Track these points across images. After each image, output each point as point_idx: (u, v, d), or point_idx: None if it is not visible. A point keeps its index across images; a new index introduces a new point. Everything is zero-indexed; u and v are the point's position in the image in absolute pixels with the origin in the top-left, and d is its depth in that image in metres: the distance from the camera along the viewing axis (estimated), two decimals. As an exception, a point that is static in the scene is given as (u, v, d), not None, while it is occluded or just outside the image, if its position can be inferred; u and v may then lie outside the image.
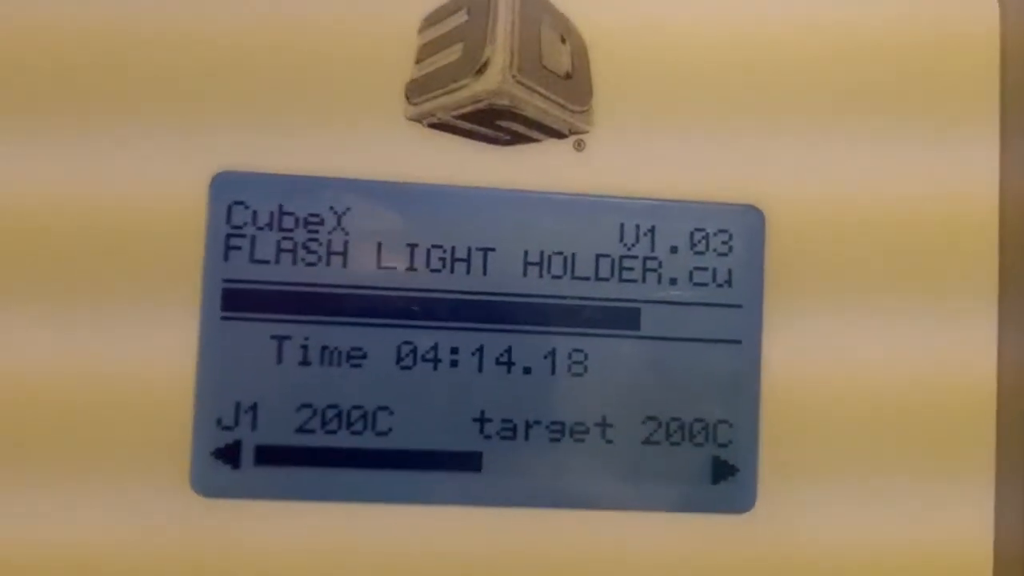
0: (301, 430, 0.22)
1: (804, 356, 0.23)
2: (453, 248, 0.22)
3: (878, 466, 0.23)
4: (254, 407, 0.22)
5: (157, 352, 0.21)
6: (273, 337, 0.22)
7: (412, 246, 0.22)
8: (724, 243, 0.23)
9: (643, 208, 0.23)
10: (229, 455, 0.22)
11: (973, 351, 0.23)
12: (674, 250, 0.23)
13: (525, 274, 0.22)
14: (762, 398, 0.23)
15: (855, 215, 0.23)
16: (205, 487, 0.21)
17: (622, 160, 0.23)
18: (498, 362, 0.22)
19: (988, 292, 0.23)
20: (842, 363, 0.23)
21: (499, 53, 0.23)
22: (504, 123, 0.23)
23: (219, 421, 0.21)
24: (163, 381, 0.21)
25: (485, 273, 0.22)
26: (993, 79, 0.23)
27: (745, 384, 0.23)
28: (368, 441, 0.22)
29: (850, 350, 0.23)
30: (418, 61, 0.22)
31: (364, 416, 0.22)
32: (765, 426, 0.23)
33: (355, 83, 0.22)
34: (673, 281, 0.23)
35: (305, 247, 0.22)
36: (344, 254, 0.22)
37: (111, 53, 0.22)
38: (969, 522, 0.23)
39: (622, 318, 0.22)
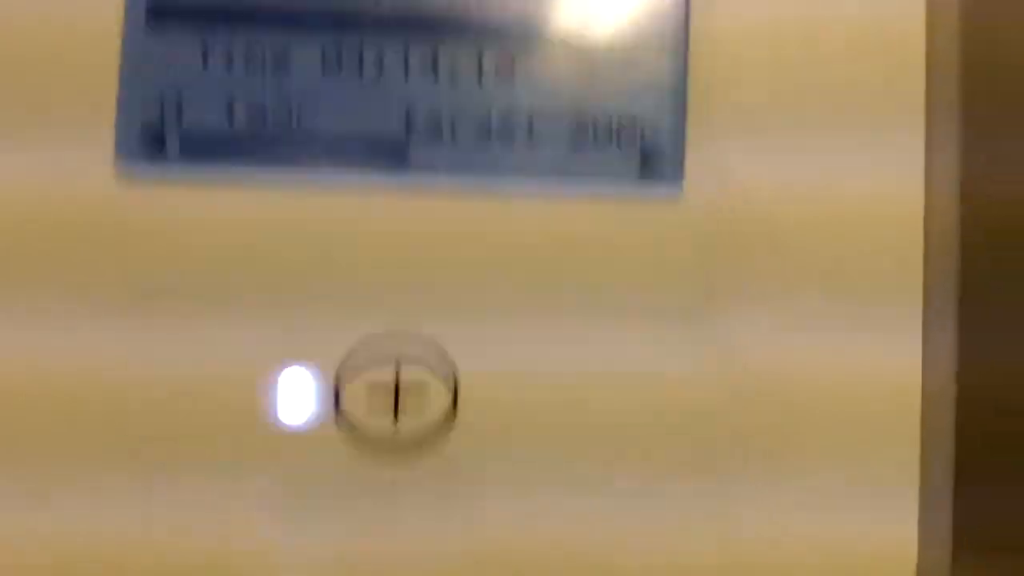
0: (227, 124, 0.22)
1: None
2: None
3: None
4: (179, 105, 0.22)
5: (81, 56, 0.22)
6: (197, 44, 0.22)
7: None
8: None
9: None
10: (155, 143, 0.22)
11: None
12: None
13: (451, -18, 0.23)
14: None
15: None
16: (131, 172, 0.22)
17: None
18: (424, 68, 0.22)
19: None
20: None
21: None
22: None
23: (144, 111, 0.22)
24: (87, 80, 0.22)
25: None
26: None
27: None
28: (295, 135, 0.22)
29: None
30: None
31: (290, 113, 0.22)
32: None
33: None
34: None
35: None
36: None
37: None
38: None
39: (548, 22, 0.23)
